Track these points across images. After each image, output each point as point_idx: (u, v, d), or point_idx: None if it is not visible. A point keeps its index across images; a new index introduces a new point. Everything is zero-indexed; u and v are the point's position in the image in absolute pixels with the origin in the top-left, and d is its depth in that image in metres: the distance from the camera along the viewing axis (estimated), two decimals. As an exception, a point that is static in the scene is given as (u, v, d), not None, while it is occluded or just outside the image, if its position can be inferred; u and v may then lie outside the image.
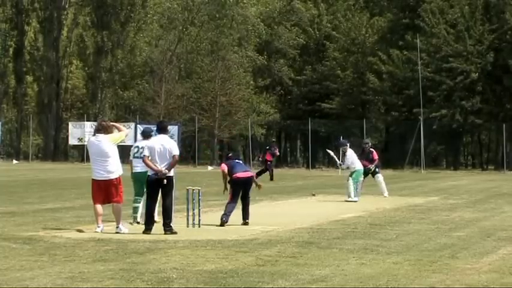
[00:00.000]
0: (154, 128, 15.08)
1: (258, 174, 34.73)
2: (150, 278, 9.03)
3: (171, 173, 13.77)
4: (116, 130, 14.21)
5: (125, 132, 14.24)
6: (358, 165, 23.09)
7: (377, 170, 24.81)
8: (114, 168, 13.71)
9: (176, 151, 13.75)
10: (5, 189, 25.51)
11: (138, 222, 14.76)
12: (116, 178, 13.72)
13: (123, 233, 13.48)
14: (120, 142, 14.04)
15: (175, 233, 13.50)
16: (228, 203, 15.40)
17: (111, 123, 14.62)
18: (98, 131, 14.06)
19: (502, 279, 9.33)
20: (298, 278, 9.18)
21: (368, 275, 9.44)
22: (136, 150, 15.11)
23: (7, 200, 20.89)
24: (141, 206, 14.90)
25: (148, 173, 13.84)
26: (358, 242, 12.60)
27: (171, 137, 60.80)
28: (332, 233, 13.78)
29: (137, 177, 14.98)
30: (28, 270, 9.58)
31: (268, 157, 36.56)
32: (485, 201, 22.56)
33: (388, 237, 13.26)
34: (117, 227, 13.72)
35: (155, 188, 13.76)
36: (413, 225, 15.51)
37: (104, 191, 13.75)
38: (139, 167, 14.75)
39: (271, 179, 35.05)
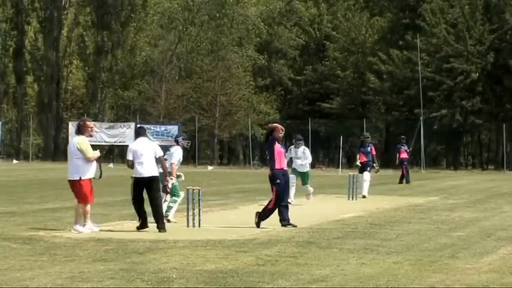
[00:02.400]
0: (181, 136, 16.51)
1: (401, 180, 33.48)
2: (150, 278, 9.03)
3: (156, 173, 14.05)
4: (90, 133, 14.12)
5: (90, 156, 13.93)
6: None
7: (368, 168, 24.57)
8: (76, 170, 13.69)
9: (161, 152, 14.17)
10: (5, 189, 25.51)
11: (168, 221, 15.00)
12: (77, 180, 13.68)
13: (81, 232, 13.37)
14: (82, 151, 13.79)
15: (165, 230, 13.70)
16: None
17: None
18: (76, 130, 14.24)
19: (502, 279, 9.33)
20: (298, 278, 9.17)
21: (368, 275, 9.44)
22: (166, 154, 15.57)
23: (7, 200, 20.89)
24: (175, 206, 15.47)
25: (133, 175, 14.08)
26: (358, 242, 12.60)
27: (172, 137, 60.48)
28: (332, 233, 13.77)
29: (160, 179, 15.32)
30: (28, 270, 9.58)
31: (403, 154, 34.72)
32: (485, 201, 22.55)
33: (388, 237, 13.26)
34: (72, 226, 13.72)
35: (141, 188, 14.03)
36: (413, 225, 15.51)
37: (71, 190, 13.90)
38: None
39: (408, 181, 33.22)
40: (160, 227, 13.82)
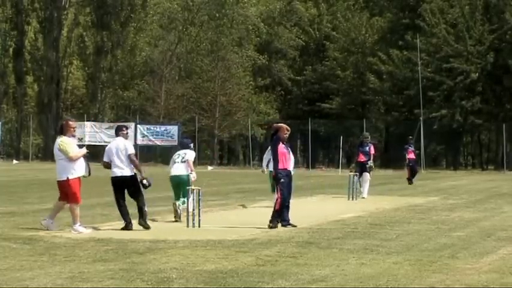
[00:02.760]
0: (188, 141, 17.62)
1: (410, 179, 32.93)
2: (150, 278, 9.03)
3: (128, 173, 14.29)
4: (73, 133, 14.21)
5: (71, 155, 13.96)
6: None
7: (368, 169, 24.52)
8: (62, 171, 13.83)
9: (131, 150, 14.41)
10: (5, 189, 25.51)
11: (177, 215, 15.82)
12: (64, 180, 13.81)
13: (81, 232, 13.55)
14: (63, 151, 13.87)
15: (148, 227, 14.09)
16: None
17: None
18: (58, 131, 14.43)
19: (502, 279, 9.33)
20: (298, 278, 9.18)
21: (368, 275, 9.44)
22: (177, 156, 16.68)
23: (7, 200, 20.89)
24: (180, 205, 16.00)
25: (111, 175, 14.37)
26: (358, 242, 12.60)
27: (172, 137, 59.99)
28: (332, 233, 13.78)
29: (171, 180, 16.50)
30: (28, 270, 9.58)
31: (410, 155, 34.08)
32: (485, 201, 22.55)
33: (388, 237, 13.26)
34: (72, 227, 13.84)
35: (119, 188, 14.34)
36: (413, 225, 15.51)
37: (61, 191, 14.01)
38: (174, 171, 16.39)
39: (410, 182, 32.81)
40: (143, 225, 14.13)
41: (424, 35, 56.26)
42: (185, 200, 15.84)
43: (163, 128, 57.55)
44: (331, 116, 60.49)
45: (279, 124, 15.72)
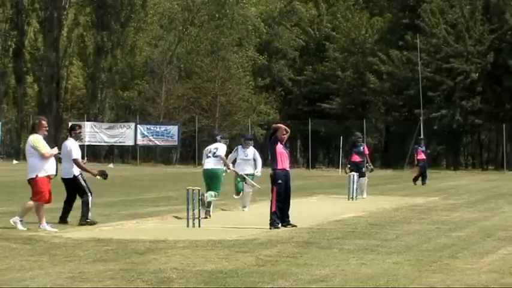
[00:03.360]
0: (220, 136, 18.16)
1: (416, 179, 32.63)
2: (150, 278, 9.04)
3: (66, 175, 14.77)
4: (45, 132, 14.33)
5: (44, 152, 14.06)
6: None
7: (364, 169, 24.47)
8: (32, 169, 14.07)
9: (75, 155, 14.75)
10: (5, 189, 25.49)
11: (208, 211, 16.50)
12: (30, 178, 14.05)
13: (17, 227, 13.86)
14: (36, 148, 14.02)
15: (94, 223, 14.57)
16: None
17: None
18: (31, 129, 14.68)
19: (502, 279, 9.33)
20: (298, 278, 9.18)
21: (368, 275, 9.45)
22: (208, 151, 17.40)
23: (7, 200, 20.88)
24: (208, 197, 16.57)
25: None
26: (358, 242, 12.60)
27: (172, 137, 59.88)
28: (332, 233, 13.78)
29: (204, 173, 17.41)
30: (28, 270, 9.58)
31: (420, 155, 33.56)
32: (485, 201, 22.56)
33: (388, 237, 13.26)
34: (20, 219, 14.04)
35: (65, 187, 15.05)
36: (413, 225, 15.52)
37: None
38: (206, 165, 17.28)
39: (424, 182, 32.55)
40: (82, 224, 14.56)
41: (424, 35, 56.24)
42: (216, 193, 16.68)
43: (163, 128, 57.56)
44: (331, 116, 60.45)
45: (278, 125, 15.76)
